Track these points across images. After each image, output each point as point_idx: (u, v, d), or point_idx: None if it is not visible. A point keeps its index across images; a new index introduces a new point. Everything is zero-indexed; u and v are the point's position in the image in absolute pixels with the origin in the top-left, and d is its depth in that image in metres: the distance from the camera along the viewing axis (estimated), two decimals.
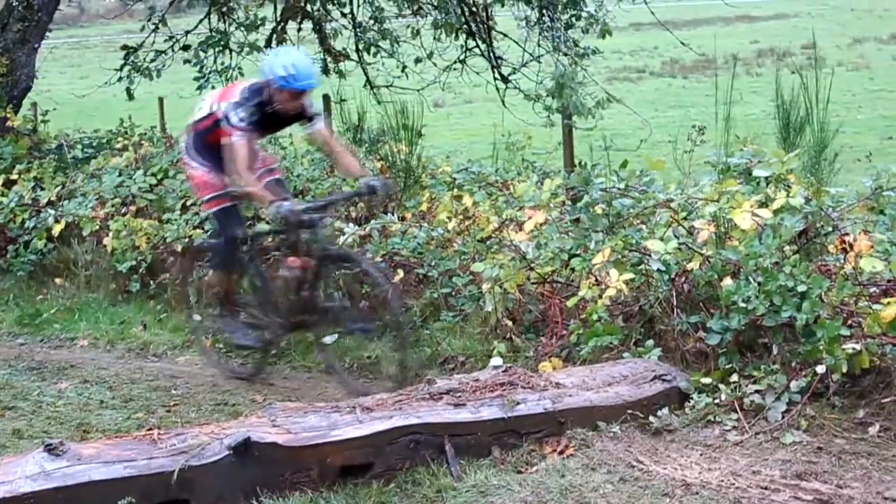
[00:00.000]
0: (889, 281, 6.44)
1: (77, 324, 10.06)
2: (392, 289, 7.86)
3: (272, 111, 7.80)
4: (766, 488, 5.61)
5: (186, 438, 5.70)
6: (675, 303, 7.02)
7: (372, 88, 13.44)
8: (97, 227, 10.92)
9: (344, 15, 13.68)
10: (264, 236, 8.59)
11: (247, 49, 13.56)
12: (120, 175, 11.41)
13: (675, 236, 7.41)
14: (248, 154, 7.74)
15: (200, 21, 13.76)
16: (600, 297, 7.23)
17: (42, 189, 11.76)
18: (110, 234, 10.63)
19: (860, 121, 22.52)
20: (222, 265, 8.35)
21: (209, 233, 9.30)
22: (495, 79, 13.73)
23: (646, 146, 11.90)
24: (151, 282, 10.38)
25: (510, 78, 13.61)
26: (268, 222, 8.53)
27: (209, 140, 7.99)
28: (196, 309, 8.93)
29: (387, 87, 13.26)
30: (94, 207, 11.09)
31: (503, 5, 13.66)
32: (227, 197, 8.05)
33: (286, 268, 8.01)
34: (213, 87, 13.30)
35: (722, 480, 5.72)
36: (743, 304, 6.47)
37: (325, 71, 13.79)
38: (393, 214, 9.56)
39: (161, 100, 16.37)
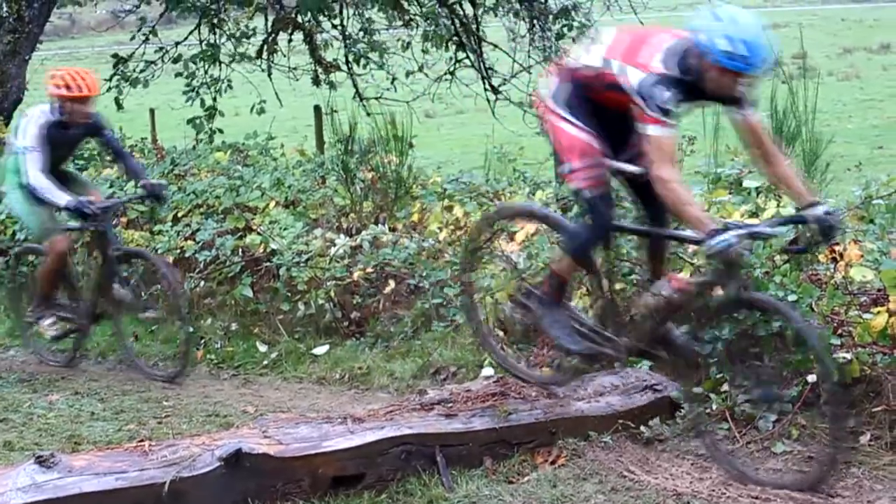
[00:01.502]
0: (879, 290, 6.44)
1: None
2: None
3: (698, 87, 5.88)
4: (756, 498, 5.62)
5: (178, 450, 5.70)
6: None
7: (361, 100, 13.45)
8: (88, 238, 10.89)
9: (334, 26, 13.69)
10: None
11: (238, 59, 13.56)
12: (111, 186, 11.38)
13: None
14: (671, 149, 5.94)
15: (191, 32, 13.77)
16: (591, 306, 7.23)
17: None
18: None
19: (850, 130, 22.54)
20: (580, 252, 6.47)
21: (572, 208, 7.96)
22: (486, 90, 13.74)
23: None
24: (143, 293, 10.35)
25: (500, 89, 13.62)
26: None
27: (594, 97, 6.15)
28: (188, 320, 8.88)
29: (376, 98, 13.26)
30: None
31: (496, 15, 13.68)
32: (604, 180, 6.18)
33: (665, 286, 6.35)
34: (206, 97, 13.31)
35: (713, 490, 5.72)
36: (734, 314, 6.47)
37: (317, 82, 13.79)
38: (384, 225, 9.56)
39: (152, 111, 16.38)
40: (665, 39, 5.90)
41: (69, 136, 8.92)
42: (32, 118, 8.75)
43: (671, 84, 5.76)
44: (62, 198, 8.62)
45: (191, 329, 8.90)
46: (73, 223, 9.10)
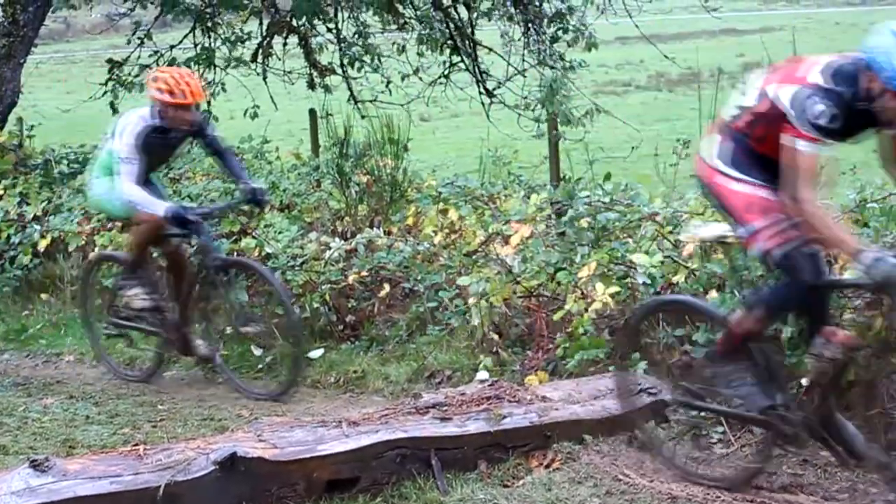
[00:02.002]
0: (873, 293, 6.44)
1: (63, 339, 10.03)
2: None
3: (862, 110, 5.29)
4: (751, 501, 5.62)
5: (172, 454, 5.70)
6: (660, 316, 7.02)
7: (356, 103, 13.45)
8: (83, 242, 10.88)
9: (329, 30, 13.69)
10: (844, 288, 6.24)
11: (233, 63, 13.56)
12: None
13: (661, 250, 7.43)
14: (814, 169, 5.37)
15: (185, 36, 13.77)
16: (586, 310, 7.26)
17: (28, 204, 11.72)
18: (96, 249, 10.60)
19: None
20: (777, 307, 5.81)
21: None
22: (480, 93, 13.75)
23: (632, 159, 11.93)
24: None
25: (495, 92, 13.63)
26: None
27: (758, 143, 5.56)
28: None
29: (371, 101, 13.27)
30: (80, 223, 11.06)
31: (490, 19, 13.69)
32: (794, 233, 5.43)
33: (825, 344, 5.58)
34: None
35: (708, 493, 5.73)
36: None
37: (312, 85, 13.80)
38: (379, 228, 9.57)
39: None
40: (829, 57, 5.42)
41: (169, 141, 8.40)
42: (129, 125, 8.18)
43: (828, 98, 5.22)
44: (160, 206, 8.14)
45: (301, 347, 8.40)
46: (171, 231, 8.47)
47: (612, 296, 7.19)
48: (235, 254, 9.57)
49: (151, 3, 13.02)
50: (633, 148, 11.54)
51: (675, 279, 7.08)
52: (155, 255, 8.95)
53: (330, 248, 9.21)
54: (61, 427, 7.66)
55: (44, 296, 11.04)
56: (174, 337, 8.70)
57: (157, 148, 8.31)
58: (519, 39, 13.32)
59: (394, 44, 14.03)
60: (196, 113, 8.36)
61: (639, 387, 6.60)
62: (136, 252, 8.67)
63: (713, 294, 6.74)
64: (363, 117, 11.84)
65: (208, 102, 13.30)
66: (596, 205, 8.04)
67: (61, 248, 11.06)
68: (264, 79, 13.80)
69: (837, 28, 48.74)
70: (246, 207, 9.24)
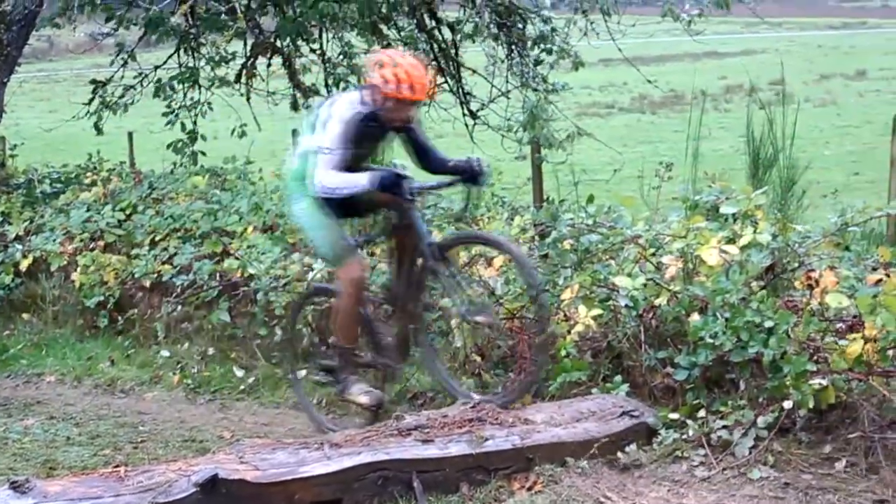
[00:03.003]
0: (855, 317, 6.47)
1: (44, 359, 10.01)
2: None
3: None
4: None
5: (153, 475, 5.67)
6: (643, 338, 7.03)
7: None
8: (65, 262, 10.88)
9: (313, 51, 13.71)
10: None
11: (217, 84, 13.56)
12: (88, 210, 11.37)
13: (643, 272, 7.44)
14: None
15: (170, 56, 13.76)
16: (569, 332, 7.25)
17: (10, 224, 11.72)
18: (78, 269, 10.59)
19: (827, 156, 22.68)
20: None
21: None
22: (464, 114, 13.77)
23: (614, 182, 11.95)
24: (119, 317, 10.33)
25: (479, 114, 13.66)
26: None
27: None
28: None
29: None
30: (62, 242, 11.05)
31: (474, 41, 13.72)
32: None
33: None
34: (187, 120, 13.31)
35: None
36: (710, 340, 6.50)
37: (295, 106, 13.80)
38: (362, 249, 9.55)
39: (130, 135, 16.36)
40: None
41: (378, 134, 7.30)
42: (338, 114, 7.07)
43: None
44: (362, 177, 7.03)
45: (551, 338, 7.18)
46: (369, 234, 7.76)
47: (594, 318, 7.19)
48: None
49: (135, 24, 13.01)
50: (614, 171, 11.55)
51: (657, 301, 7.09)
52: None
53: (313, 270, 9.20)
54: (42, 448, 7.64)
55: (25, 316, 11.02)
56: (394, 365, 7.70)
57: (365, 140, 7.23)
58: (503, 61, 13.35)
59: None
60: (417, 110, 7.39)
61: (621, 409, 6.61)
62: (346, 333, 7.57)
63: (695, 316, 6.75)
64: None
65: (194, 122, 13.31)
66: (579, 227, 8.03)
67: (43, 267, 11.04)
68: (248, 99, 13.80)
69: (819, 51, 49.06)
70: (461, 187, 7.61)
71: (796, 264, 7.07)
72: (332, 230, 7.34)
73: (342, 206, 7.30)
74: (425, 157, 7.48)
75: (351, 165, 7.11)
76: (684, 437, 6.39)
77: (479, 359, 7.94)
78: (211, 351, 9.45)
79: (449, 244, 7.44)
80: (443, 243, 7.38)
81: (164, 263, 10.11)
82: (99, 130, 13.52)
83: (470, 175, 7.34)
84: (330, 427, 7.65)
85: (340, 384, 7.61)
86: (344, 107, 7.10)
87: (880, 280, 6.58)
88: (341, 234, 7.41)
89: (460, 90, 13.75)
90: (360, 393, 7.50)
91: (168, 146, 13.21)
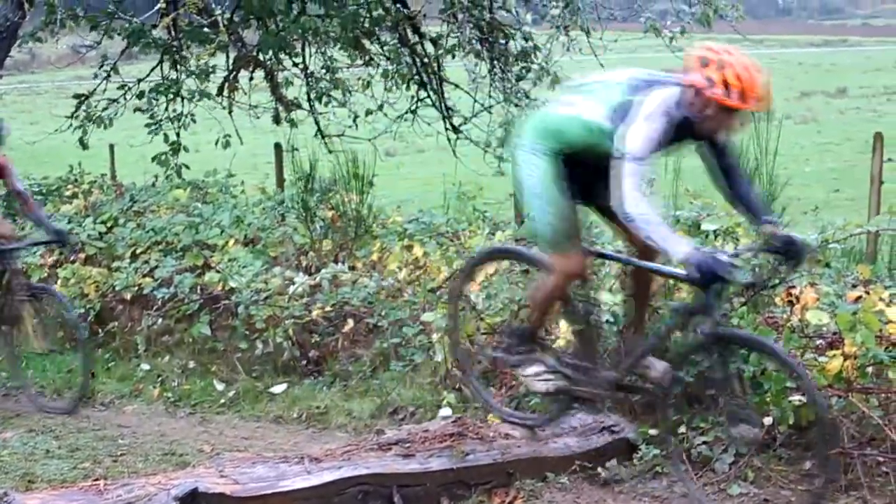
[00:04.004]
0: (835, 334, 6.49)
1: (24, 372, 9.97)
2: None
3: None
4: None
5: (133, 489, 5.66)
6: (623, 354, 7.03)
7: (323, 138, 13.46)
8: (45, 274, 10.85)
9: (296, 64, 13.70)
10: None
11: (198, 96, 13.54)
12: (69, 222, 11.36)
13: (624, 288, 7.44)
14: None
15: (153, 69, 13.74)
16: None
17: None
18: (59, 281, 10.56)
19: (808, 173, 22.76)
20: None
21: None
22: (446, 129, 13.79)
23: None
24: (100, 330, 10.31)
25: (461, 128, 13.67)
26: None
27: None
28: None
29: (338, 136, 13.28)
30: (43, 255, 11.02)
31: (454, 57, 13.73)
32: None
33: None
34: (170, 132, 13.29)
35: None
36: (691, 356, 6.50)
37: (277, 120, 13.80)
38: (343, 264, 9.57)
39: (112, 147, 16.33)
40: None
41: (678, 142, 5.96)
42: (651, 111, 5.74)
43: None
44: (678, 244, 5.67)
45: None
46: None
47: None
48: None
49: (118, 35, 12.99)
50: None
51: None
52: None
53: (294, 283, 9.20)
54: (20, 461, 7.60)
55: (4, 328, 10.96)
56: (604, 394, 6.47)
57: (661, 148, 5.89)
58: (485, 77, 13.37)
59: (359, 79, 14.05)
60: (740, 121, 5.84)
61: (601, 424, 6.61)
62: (537, 313, 6.52)
63: (676, 332, 6.75)
64: (329, 152, 11.85)
65: (177, 134, 13.28)
66: None
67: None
68: (230, 112, 13.78)
69: (800, 68, 49.27)
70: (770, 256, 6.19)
71: (777, 281, 7.09)
72: (564, 212, 6.05)
73: (584, 188, 6.14)
74: (729, 179, 5.96)
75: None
76: (664, 452, 6.40)
77: (460, 373, 7.94)
78: (191, 364, 9.44)
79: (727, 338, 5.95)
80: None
81: (144, 276, 10.10)
82: (84, 145, 13.48)
83: (792, 253, 5.92)
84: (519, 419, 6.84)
85: (512, 359, 6.61)
86: (659, 104, 5.76)
87: (860, 297, 6.62)
88: (573, 221, 6.13)
89: (442, 105, 13.76)
90: (532, 377, 6.49)
91: (153, 159, 13.18)
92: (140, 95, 13.15)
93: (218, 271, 9.65)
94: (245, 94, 13.76)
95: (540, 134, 6.06)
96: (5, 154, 9.13)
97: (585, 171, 6.03)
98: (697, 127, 5.76)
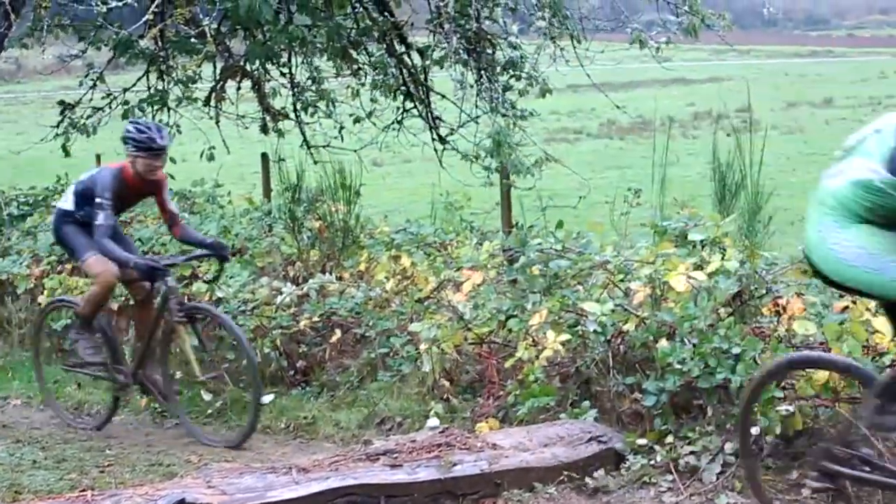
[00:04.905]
0: (821, 343, 6.51)
1: (10, 383, 9.96)
2: None
3: None
4: None
5: (120, 500, 5.65)
6: (611, 364, 7.06)
7: (309, 148, 13.45)
8: (32, 285, 10.83)
9: (283, 74, 13.71)
10: None
11: (185, 102, 13.51)
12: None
13: (612, 298, 7.46)
14: None
15: (139, 79, 13.73)
16: (537, 357, 7.27)
17: None
18: (45, 292, 10.54)
19: (794, 184, 22.80)
20: None
21: None
22: (433, 139, 13.79)
23: (583, 207, 12.00)
24: None
25: (448, 139, 13.67)
26: None
27: None
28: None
29: (324, 146, 13.27)
30: (29, 265, 11.01)
31: (441, 67, 13.74)
32: None
33: None
34: None
35: None
36: (678, 366, 6.53)
37: (265, 130, 13.79)
38: (331, 274, 9.57)
39: (98, 157, 16.28)
40: None
41: None
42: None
43: None
44: None
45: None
46: None
47: (563, 343, 7.21)
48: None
49: (105, 44, 12.97)
50: (580, 197, 11.61)
51: (625, 327, 7.11)
52: None
53: (281, 294, 9.21)
54: (7, 472, 7.57)
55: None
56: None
57: None
58: (472, 87, 13.38)
59: (347, 87, 14.05)
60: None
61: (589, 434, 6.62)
62: None
63: (663, 342, 6.78)
64: (316, 162, 11.85)
65: None
66: (548, 252, 8.06)
67: (10, 290, 11.00)
68: (217, 122, 13.77)
69: (786, 79, 49.45)
70: None
71: (763, 291, 7.11)
72: None
73: None
74: None
75: None
76: (652, 462, 6.41)
77: (447, 384, 7.95)
78: (178, 374, 9.41)
79: None
80: None
81: None
82: (66, 152, 13.45)
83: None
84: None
85: None
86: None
87: (847, 307, 6.63)
88: None
89: (429, 115, 13.76)
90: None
91: None
92: (125, 105, 13.12)
93: (205, 281, 9.64)
94: (232, 104, 13.76)
95: (842, 211, 4.90)
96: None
97: None
98: None
